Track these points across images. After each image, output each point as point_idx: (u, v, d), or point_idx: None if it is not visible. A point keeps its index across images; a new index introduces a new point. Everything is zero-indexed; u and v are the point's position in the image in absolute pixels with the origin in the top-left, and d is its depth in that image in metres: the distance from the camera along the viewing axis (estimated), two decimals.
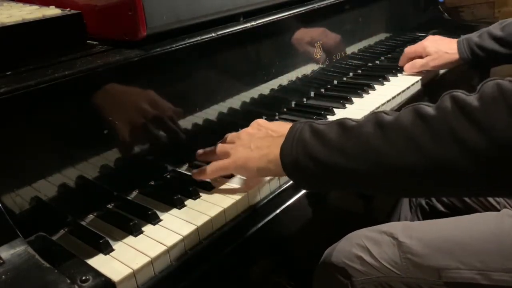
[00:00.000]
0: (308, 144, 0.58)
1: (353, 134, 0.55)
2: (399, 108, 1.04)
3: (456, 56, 1.13)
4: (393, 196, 0.59)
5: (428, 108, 0.52)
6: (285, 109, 1.02)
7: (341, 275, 0.81)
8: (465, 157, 0.48)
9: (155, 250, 0.59)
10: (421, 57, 1.17)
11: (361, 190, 0.60)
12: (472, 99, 0.50)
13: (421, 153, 0.50)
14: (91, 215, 0.69)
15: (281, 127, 0.69)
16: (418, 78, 1.14)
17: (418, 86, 1.14)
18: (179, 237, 0.61)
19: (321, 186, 0.63)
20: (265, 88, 0.95)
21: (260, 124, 0.73)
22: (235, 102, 0.89)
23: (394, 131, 0.52)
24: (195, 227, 0.63)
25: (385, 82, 1.13)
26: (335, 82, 1.17)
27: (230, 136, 0.74)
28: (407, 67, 1.18)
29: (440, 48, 1.14)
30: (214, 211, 0.66)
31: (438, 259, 0.74)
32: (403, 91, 1.08)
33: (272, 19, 0.92)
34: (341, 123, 0.58)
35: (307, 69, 1.06)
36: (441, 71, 1.23)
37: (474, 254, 0.73)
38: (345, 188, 0.62)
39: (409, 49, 1.20)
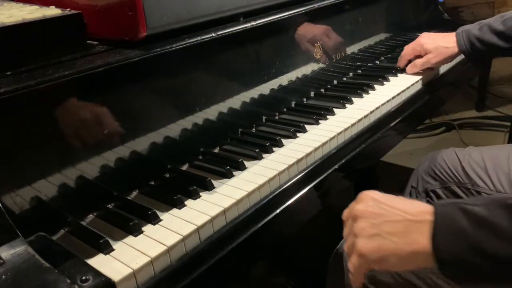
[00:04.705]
0: (471, 235, 0.48)
1: None
2: (400, 107, 1.05)
3: (455, 49, 1.12)
4: None
5: None
6: (285, 109, 1.02)
7: None
8: None
9: (155, 250, 0.59)
10: (419, 56, 1.17)
11: None
12: None
13: None
14: (91, 215, 0.69)
15: (411, 206, 0.55)
16: (418, 78, 1.14)
17: (418, 86, 1.14)
18: (179, 237, 0.61)
19: (483, 279, 0.51)
20: (265, 88, 0.95)
21: (378, 200, 0.57)
22: (235, 102, 0.89)
23: None
24: (195, 227, 0.63)
25: (385, 82, 1.13)
26: (335, 82, 1.17)
27: (345, 216, 0.61)
28: (408, 68, 1.18)
29: (438, 44, 1.13)
30: (214, 211, 0.66)
31: None
32: (403, 91, 1.08)
33: (272, 19, 0.92)
34: (506, 204, 0.49)
35: (307, 69, 1.06)
36: (441, 71, 1.23)
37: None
38: None
39: (407, 50, 1.19)
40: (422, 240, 0.51)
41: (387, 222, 0.54)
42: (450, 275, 0.52)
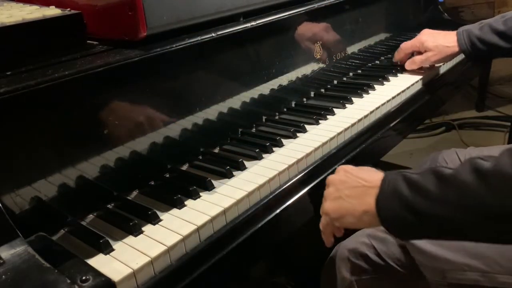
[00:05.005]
0: (405, 196, 0.57)
1: (451, 183, 0.54)
2: (400, 108, 1.05)
3: (456, 49, 1.12)
4: (487, 242, 0.62)
5: None
6: (285, 109, 1.02)
7: (346, 272, 0.82)
8: None
9: (155, 250, 0.59)
10: (419, 52, 1.16)
11: (458, 237, 0.60)
12: None
13: None
14: (91, 215, 0.69)
15: (371, 176, 0.65)
16: (418, 78, 1.14)
17: (418, 86, 1.14)
18: (179, 237, 0.61)
19: (417, 235, 0.63)
20: (265, 88, 0.95)
21: (347, 171, 0.69)
22: (235, 102, 0.89)
23: (497, 179, 0.51)
24: (195, 227, 0.63)
25: (385, 82, 1.13)
26: (335, 82, 1.17)
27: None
28: (407, 64, 1.17)
29: (439, 42, 1.13)
30: (214, 211, 0.66)
31: (444, 260, 0.75)
32: (403, 91, 1.08)
33: (272, 19, 0.92)
34: (436, 172, 0.57)
35: (307, 69, 1.06)
36: (441, 71, 1.23)
37: (479, 256, 0.73)
38: (442, 236, 0.62)
39: (406, 45, 1.18)
40: (371, 201, 0.61)
41: (348, 188, 0.66)
42: (392, 231, 0.61)
